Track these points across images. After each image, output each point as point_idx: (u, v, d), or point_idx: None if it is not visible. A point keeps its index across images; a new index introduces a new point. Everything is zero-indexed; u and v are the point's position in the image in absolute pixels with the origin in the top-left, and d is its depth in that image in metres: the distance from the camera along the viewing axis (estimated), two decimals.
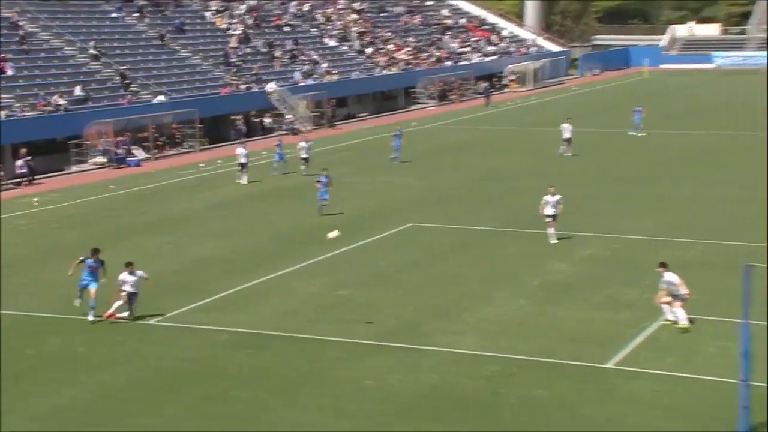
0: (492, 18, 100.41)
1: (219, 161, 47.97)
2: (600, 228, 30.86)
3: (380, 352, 20.44)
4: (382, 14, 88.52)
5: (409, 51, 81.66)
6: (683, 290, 21.30)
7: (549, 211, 29.34)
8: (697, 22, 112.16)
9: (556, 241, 29.21)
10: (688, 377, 18.63)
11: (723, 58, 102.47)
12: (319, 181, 34.51)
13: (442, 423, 16.88)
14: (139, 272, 22.74)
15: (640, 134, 52.87)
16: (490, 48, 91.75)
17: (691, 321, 21.22)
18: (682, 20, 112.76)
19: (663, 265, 21.71)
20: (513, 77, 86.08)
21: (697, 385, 18.24)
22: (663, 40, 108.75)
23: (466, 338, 21.12)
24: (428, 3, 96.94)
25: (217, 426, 16.85)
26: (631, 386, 18.29)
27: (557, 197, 29.43)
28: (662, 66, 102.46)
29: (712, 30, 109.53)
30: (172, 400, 18.04)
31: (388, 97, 74.01)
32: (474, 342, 20.86)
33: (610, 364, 19.46)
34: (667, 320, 21.49)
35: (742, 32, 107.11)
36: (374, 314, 22.98)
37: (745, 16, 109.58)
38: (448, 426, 16.75)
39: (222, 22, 70.29)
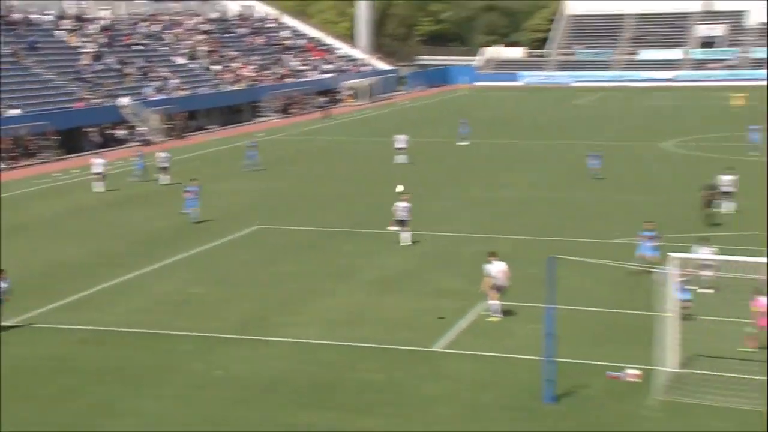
0: (328, 39, 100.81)
1: (74, 171, 46.27)
2: (429, 226, 31.36)
3: (229, 344, 20.20)
4: (227, 35, 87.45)
5: (253, 68, 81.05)
6: (502, 280, 21.44)
7: (400, 216, 29.09)
8: (505, 45, 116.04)
9: (408, 244, 28.76)
10: (503, 356, 19.19)
11: (528, 77, 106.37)
12: (188, 191, 33.43)
13: (286, 407, 16.83)
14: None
15: (465, 143, 54.02)
16: (327, 66, 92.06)
17: (503, 313, 21.36)
18: (493, 43, 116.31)
19: (493, 254, 21.75)
20: (349, 92, 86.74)
21: (511, 363, 18.82)
22: (477, 61, 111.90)
23: (309, 329, 21.11)
24: (270, 25, 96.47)
25: (70, 418, 16.26)
26: (455, 366, 18.72)
27: (407, 204, 29.18)
28: (477, 83, 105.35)
29: (518, 52, 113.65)
30: (28, 397, 17.29)
31: (235, 111, 73.18)
32: (316, 332, 20.89)
33: (436, 348, 19.85)
34: (493, 316, 21.43)
35: (542, 55, 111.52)
36: (224, 310, 22.69)
37: (545, 41, 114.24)
38: (292, 410, 16.72)
39: (74, 41, 67.98)
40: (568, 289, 22.23)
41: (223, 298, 23.69)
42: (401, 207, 29.08)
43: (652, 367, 17.44)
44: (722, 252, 22.38)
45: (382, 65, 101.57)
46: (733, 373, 17.57)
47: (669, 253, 18.31)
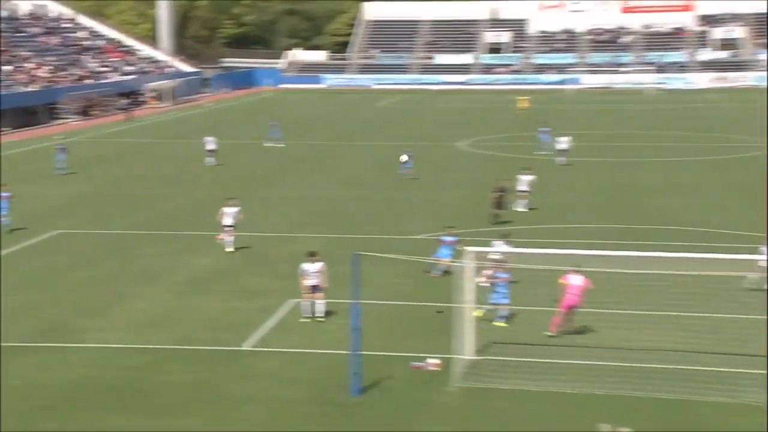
0: (128, 41, 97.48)
1: None
2: (241, 227, 30.59)
3: (29, 352, 19.09)
4: (18, 34, 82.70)
5: (49, 69, 77.08)
6: (317, 280, 20.95)
7: (227, 221, 28.10)
8: (308, 49, 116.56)
9: (232, 250, 27.74)
10: (311, 352, 19.18)
11: (331, 79, 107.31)
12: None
13: (91, 412, 16.09)
14: None
15: (278, 145, 53.55)
16: (129, 68, 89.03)
17: (325, 314, 21.06)
18: (295, 47, 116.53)
19: (312, 254, 21.34)
20: (152, 94, 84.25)
21: (319, 359, 18.84)
22: (281, 64, 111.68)
23: (113, 333, 20.30)
24: (66, 25, 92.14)
25: None
26: (264, 364, 18.54)
27: (236, 209, 28.26)
28: (282, 86, 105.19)
29: (320, 56, 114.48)
30: None
31: (30, 113, 69.34)
32: (122, 336, 20.11)
33: (245, 347, 19.60)
34: (311, 317, 20.96)
35: (344, 58, 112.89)
36: (22, 318, 21.40)
37: (346, 45, 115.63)
38: (97, 414, 16.01)
39: None
40: (374, 285, 22.55)
41: (19, 307, 22.34)
42: (229, 212, 28.18)
43: (451, 356, 17.95)
44: (522, 246, 23.32)
45: (186, 67, 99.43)
46: (531, 357, 18.37)
47: (465, 247, 18.89)
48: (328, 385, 17.36)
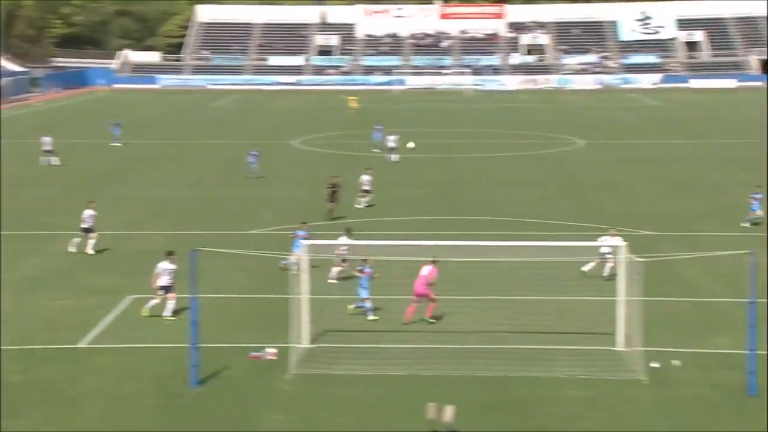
0: None
1: None
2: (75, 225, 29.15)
3: None
4: None
5: None
6: (171, 279, 20.30)
7: (85, 224, 26.50)
8: (141, 50, 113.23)
9: (93, 252, 26.26)
10: (151, 347, 18.78)
11: (166, 80, 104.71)
12: None
13: None
14: None
15: (117, 144, 51.65)
16: None
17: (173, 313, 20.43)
18: (129, 47, 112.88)
19: (170, 253, 20.67)
20: None
21: (159, 353, 18.47)
22: (114, 64, 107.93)
23: None
24: None
25: None
26: (103, 360, 17.98)
27: (93, 212, 26.68)
28: (116, 86, 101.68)
29: (154, 56, 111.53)
30: None
31: None
32: None
33: (83, 344, 18.92)
34: (166, 317, 20.27)
35: (178, 59, 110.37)
36: None
37: (179, 47, 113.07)
38: None
39: None
40: (214, 279, 22.37)
41: None
42: (88, 215, 26.75)
43: (289, 345, 18.01)
44: (366, 238, 23.52)
45: (13, 66, 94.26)
46: (363, 344, 18.66)
47: (302, 241, 18.99)
48: (167, 378, 17.05)
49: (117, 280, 23.30)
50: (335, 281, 22.79)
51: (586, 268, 23.17)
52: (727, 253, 21.80)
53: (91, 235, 26.59)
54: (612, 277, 21.13)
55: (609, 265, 22.52)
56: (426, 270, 19.96)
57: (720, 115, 69.42)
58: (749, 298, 16.44)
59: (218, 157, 47.58)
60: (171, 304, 20.45)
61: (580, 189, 37.75)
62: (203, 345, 16.99)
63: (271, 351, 18.15)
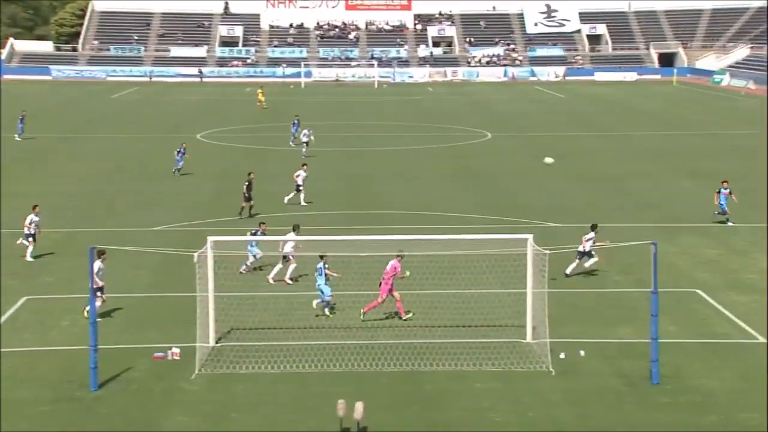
0: None
1: None
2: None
3: None
4: None
5: None
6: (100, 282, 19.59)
7: (29, 231, 25.33)
8: (32, 39, 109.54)
9: (31, 259, 25.03)
10: (45, 350, 18.29)
11: (60, 71, 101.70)
12: None
13: None
14: None
15: (21, 139, 49.86)
16: None
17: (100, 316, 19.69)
18: (19, 36, 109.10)
19: (101, 253, 19.86)
20: None
21: (55, 355, 18.00)
22: (3, 54, 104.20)
23: None
24: None
25: None
26: None
27: (37, 218, 25.50)
28: (6, 77, 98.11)
29: (47, 46, 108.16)
30: None
31: None
32: None
33: None
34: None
35: (74, 49, 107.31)
36: None
37: (73, 36, 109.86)
38: None
39: None
40: (117, 278, 21.88)
41: None
42: (35, 220, 25.47)
43: (195, 344, 17.78)
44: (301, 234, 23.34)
45: None
46: (270, 341, 18.57)
47: (207, 237, 18.75)
48: (65, 382, 16.64)
49: (7, 281, 22.55)
50: (290, 281, 22.56)
51: (569, 270, 23.34)
52: (630, 243, 22.51)
53: (32, 241, 25.40)
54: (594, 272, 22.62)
55: (593, 260, 23.31)
56: (389, 265, 19.93)
57: (623, 107, 71.50)
58: (651, 288, 17.05)
59: (118, 151, 46.52)
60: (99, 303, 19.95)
61: (490, 181, 38.39)
62: (104, 347, 16.62)
63: (175, 351, 17.90)
